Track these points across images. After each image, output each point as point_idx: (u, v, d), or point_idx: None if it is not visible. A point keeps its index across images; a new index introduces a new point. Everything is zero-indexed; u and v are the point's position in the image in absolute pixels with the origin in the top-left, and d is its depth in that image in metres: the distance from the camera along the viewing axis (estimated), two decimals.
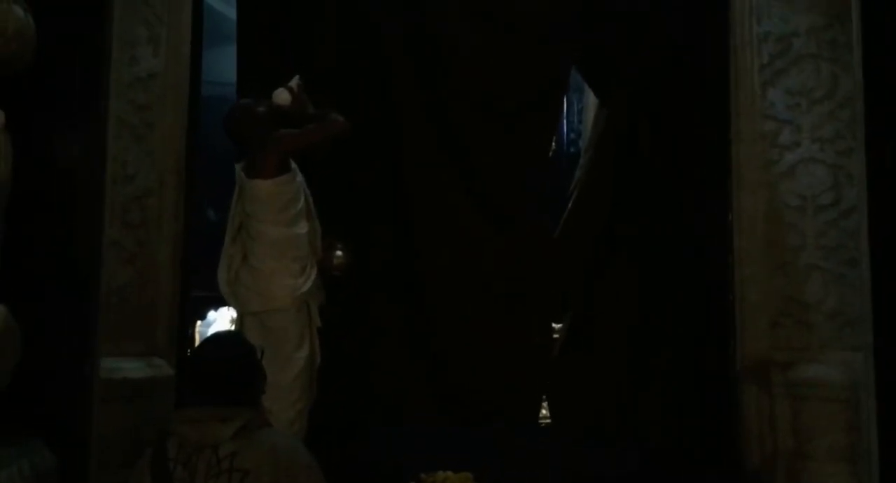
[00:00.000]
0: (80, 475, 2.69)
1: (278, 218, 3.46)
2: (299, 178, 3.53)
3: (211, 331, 7.01)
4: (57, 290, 2.89)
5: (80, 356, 2.74)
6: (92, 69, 2.93)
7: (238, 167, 3.54)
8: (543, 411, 4.54)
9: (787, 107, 3.80)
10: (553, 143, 5.31)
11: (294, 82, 3.56)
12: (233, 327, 6.48)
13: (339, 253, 3.79)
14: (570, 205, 4.56)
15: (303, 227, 3.53)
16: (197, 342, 4.95)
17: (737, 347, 3.74)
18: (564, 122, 6.64)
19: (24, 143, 2.43)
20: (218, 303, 6.12)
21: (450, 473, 3.35)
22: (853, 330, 3.57)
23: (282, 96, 3.55)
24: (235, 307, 3.73)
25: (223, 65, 4.76)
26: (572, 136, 6.85)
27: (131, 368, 3.31)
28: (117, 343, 3.27)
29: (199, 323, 6.41)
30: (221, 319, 7.23)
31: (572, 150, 6.75)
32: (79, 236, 3.03)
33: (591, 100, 5.41)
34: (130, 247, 3.44)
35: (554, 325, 4.58)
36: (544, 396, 4.49)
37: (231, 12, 4.82)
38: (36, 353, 2.50)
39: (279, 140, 3.46)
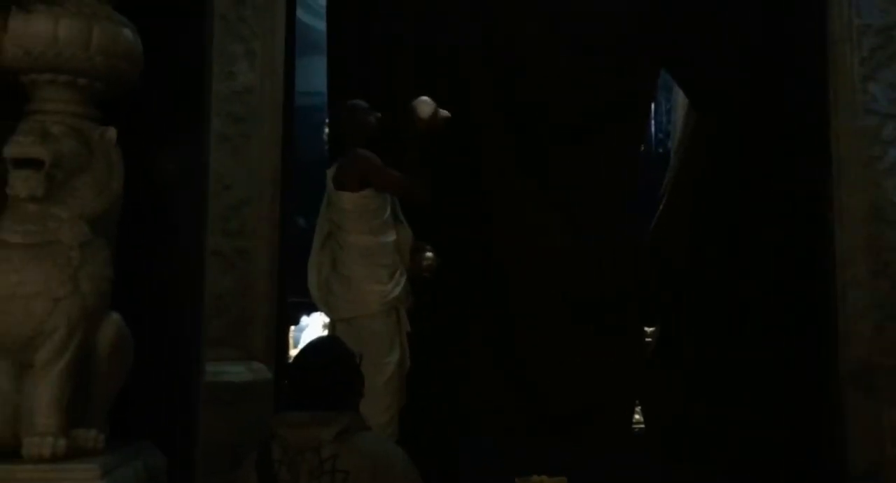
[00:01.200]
0: (188, 475, 2.80)
1: (365, 227, 3.52)
2: None
3: (304, 335, 7.19)
4: (163, 298, 3.02)
5: (186, 361, 2.85)
6: (193, 85, 3.05)
7: (328, 174, 3.62)
8: (636, 416, 4.48)
9: (889, 101, 3.67)
10: (642, 146, 5.22)
11: (440, 110, 3.54)
12: (325, 332, 6.64)
13: (428, 254, 3.83)
14: (660, 208, 4.49)
15: (390, 236, 3.58)
16: (291, 347, 5.07)
17: (839, 352, 3.62)
18: (652, 122, 6.55)
19: (130, 158, 2.55)
20: (310, 308, 6.27)
21: (545, 477, 3.34)
22: None
23: (425, 106, 3.55)
24: (327, 313, 3.81)
25: (311, 75, 4.88)
26: (660, 136, 6.75)
27: (233, 373, 3.43)
28: (218, 348, 3.38)
29: (292, 328, 6.57)
30: (314, 324, 7.40)
31: (661, 150, 6.65)
32: (182, 246, 3.16)
33: (679, 99, 5.32)
34: (230, 255, 3.56)
35: (646, 329, 4.51)
36: (637, 402, 4.42)
37: (317, 23, 4.94)
38: (144, 358, 2.62)
39: (369, 168, 3.50)
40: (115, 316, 2.40)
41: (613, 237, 4.34)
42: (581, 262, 4.26)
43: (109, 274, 2.37)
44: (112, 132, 2.38)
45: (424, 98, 3.58)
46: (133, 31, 2.46)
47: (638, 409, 4.45)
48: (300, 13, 5.40)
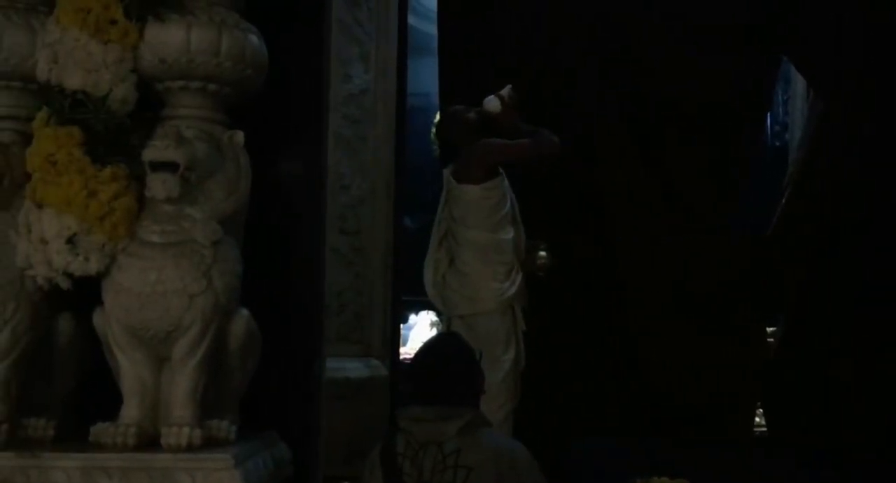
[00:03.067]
0: (311, 466, 2.88)
1: (485, 223, 3.53)
2: (505, 183, 3.59)
3: (412, 334, 7.28)
4: (286, 295, 3.11)
5: (308, 356, 2.93)
6: (312, 89, 3.14)
7: (446, 172, 3.65)
8: (758, 419, 4.33)
9: None
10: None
11: (505, 92, 3.61)
12: (433, 331, 6.70)
13: (542, 253, 3.81)
14: (783, 201, 4.31)
15: (508, 232, 3.58)
16: (402, 345, 5.14)
17: None
18: (769, 114, 6.33)
19: (254, 160, 2.64)
20: (419, 306, 6.34)
21: (666, 479, 3.27)
22: None
23: (492, 104, 3.60)
24: (443, 310, 3.84)
25: (421, 76, 4.94)
26: (777, 128, 6.52)
27: (351, 368, 3.51)
28: (337, 344, 3.47)
29: (401, 326, 6.66)
30: (421, 323, 7.49)
31: (777, 143, 6.42)
32: (303, 244, 3.25)
33: (798, 90, 5.13)
34: (347, 253, 3.65)
35: (768, 328, 4.36)
36: (759, 405, 4.27)
37: (424, 26, 4.99)
38: (270, 353, 2.71)
39: (491, 148, 3.54)
40: (244, 311, 2.50)
41: (731, 233, 4.20)
42: (699, 258, 4.14)
43: (239, 271, 2.47)
44: (240, 135, 2.47)
45: (488, 98, 3.60)
46: (259, 38, 2.55)
47: (760, 411, 4.30)
48: (411, 17, 5.49)
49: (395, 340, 3.96)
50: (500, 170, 3.57)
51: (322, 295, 3.25)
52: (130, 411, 2.32)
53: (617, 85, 4.26)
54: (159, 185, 2.25)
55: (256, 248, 2.83)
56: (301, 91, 3.16)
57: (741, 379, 4.11)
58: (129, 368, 2.33)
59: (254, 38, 2.51)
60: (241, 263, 2.49)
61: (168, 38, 2.38)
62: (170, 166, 2.25)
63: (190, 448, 2.25)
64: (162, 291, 2.27)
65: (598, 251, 4.22)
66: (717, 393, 4.07)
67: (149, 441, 2.31)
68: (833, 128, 4.14)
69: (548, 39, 4.29)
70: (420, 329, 7.42)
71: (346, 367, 3.50)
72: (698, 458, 3.78)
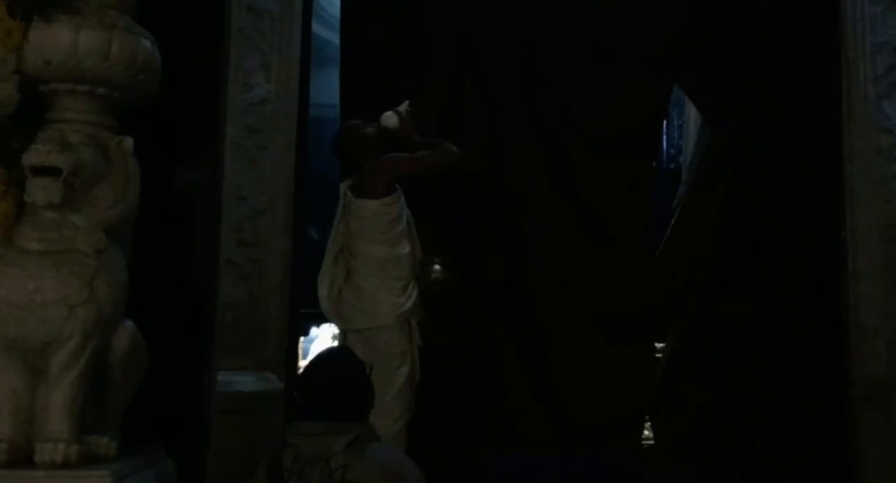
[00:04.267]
0: None
1: (382, 237, 3.53)
2: (402, 198, 3.60)
3: (313, 347, 7.19)
4: (176, 306, 3.04)
5: (198, 370, 2.87)
6: (209, 97, 3.09)
7: (343, 186, 3.64)
8: (647, 432, 4.45)
9: None
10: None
11: (403, 107, 3.64)
12: (335, 343, 6.63)
13: (436, 267, 3.83)
14: (672, 223, 4.47)
15: (405, 247, 3.59)
16: (301, 358, 5.08)
17: (853, 372, 3.60)
18: (664, 137, 6.55)
19: (147, 167, 2.58)
20: (319, 319, 6.27)
21: None
22: None
23: (391, 120, 3.62)
24: (339, 325, 3.81)
25: (324, 87, 4.90)
26: (672, 151, 6.73)
27: (244, 382, 3.43)
28: (231, 358, 3.39)
29: (301, 339, 6.57)
30: (323, 335, 7.40)
31: (672, 165, 6.62)
32: (197, 255, 3.19)
33: (691, 114, 5.32)
34: (244, 265, 3.57)
35: (657, 344, 4.50)
36: (647, 418, 4.40)
37: (331, 35, 4.96)
38: (157, 367, 2.63)
39: (391, 163, 3.54)
40: (130, 324, 2.43)
41: (628, 248, 4.33)
42: (602, 272, 4.24)
43: (124, 281, 2.40)
44: (129, 142, 2.41)
45: (386, 113, 3.63)
46: (152, 43, 2.50)
47: (648, 424, 4.42)
48: (316, 27, 5.45)
49: (292, 353, 3.90)
50: (397, 185, 3.58)
51: (214, 307, 3.19)
52: (2, 426, 2.22)
53: (526, 100, 4.33)
54: (40, 191, 2.17)
55: (146, 257, 2.76)
56: (198, 99, 3.11)
57: (631, 393, 4.22)
58: (2, 381, 2.23)
59: (146, 43, 2.45)
60: (127, 273, 2.42)
61: (54, 40, 2.31)
62: (52, 171, 2.18)
63: (66, 465, 2.17)
64: (41, 301, 2.19)
65: (507, 264, 4.28)
66: (610, 405, 4.17)
67: (23, 458, 2.22)
68: (719, 153, 4.33)
69: (456, 52, 4.34)
70: (322, 342, 7.33)
71: (240, 380, 3.42)
72: (600, 469, 3.88)
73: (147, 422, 2.62)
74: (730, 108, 4.27)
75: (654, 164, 4.67)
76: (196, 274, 3.08)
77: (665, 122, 6.05)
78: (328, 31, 5.23)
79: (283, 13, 3.75)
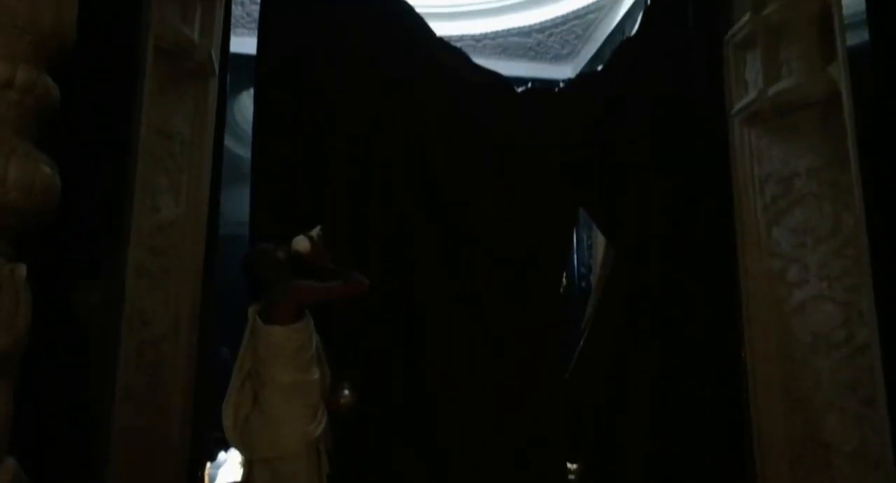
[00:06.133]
0: None
1: (291, 363, 3.46)
2: (311, 324, 3.57)
3: (220, 472, 6.87)
4: (70, 436, 2.88)
5: None
6: (113, 220, 3.04)
7: (251, 311, 3.58)
8: None
9: (792, 245, 3.85)
10: (564, 280, 5.31)
11: (315, 232, 3.64)
12: (242, 470, 6.36)
13: (346, 392, 3.77)
14: (581, 344, 4.52)
15: (314, 373, 3.53)
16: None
17: None
18: (575, 257, 6.73)
19: (42, 291, 2.49)
20: (228, 444, 6.02)
21: None
22: (879, 472, 3.43)
23: (301, 244, 3.62)
24: (243, 453, 3.67)
25: (239, 204, 4.88)
26: (583, 270, 6.91)
27: None
28: None
29: (209, 465, 6.28)
30: (232, 461, 7.09)
31: (584, 284, 6.79)
32: (92, 381, 3.05)
33: (600, 235, 5.48)
34: (142, 390, 3.44)
35: (569, 465, 4.46)
36: None
37: (246, 153, 4.98)
38: None
39: (299, 291, 3.51)
40: (12, 462, 2.28)
41: (537, 369, 4.32)
42: (511, 394, 4.22)
43: (8, 412, 2.27)
44: (21, 269, 2.33)
45: (297, 237, 3.65)
46: (52, 167, 2.46)
47: None
48: (231, 143, 5.48)
49: (193, 479, 3.73)
50: (307, 311, 3.55)
51: (108, 436, 3.03)
52: None
53: (432, 220, 4.38)
54: None
55: (37, 385, 2.63)
56: (100, 221, 3.06)
57: None
58: None
59: (46, 169, 2.41)
60: (12, 404, 2.30)
61: None
62: None
63: None
64: None
65: (413, 386, 4.22)
66: None
67: None
68: (621, 273, 4.44)
69: (362, 171, 4.36)
70: (230, 467, 7.02)
71: None
72: None
73: None
74: (629, 229, 4.41)
75: (560, 285, 4.74)
76: (90, 399, 2.93)
77: (576, 242, 6.25)
78: (243, 148, 5.25)
79: (193, 135, 3.78)
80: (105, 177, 2.97)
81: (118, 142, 3.01)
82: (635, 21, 5.05)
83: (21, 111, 2.38)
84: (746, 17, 4.05)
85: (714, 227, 4.16)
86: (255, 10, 4.90)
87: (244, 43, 4.89)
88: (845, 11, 3.74)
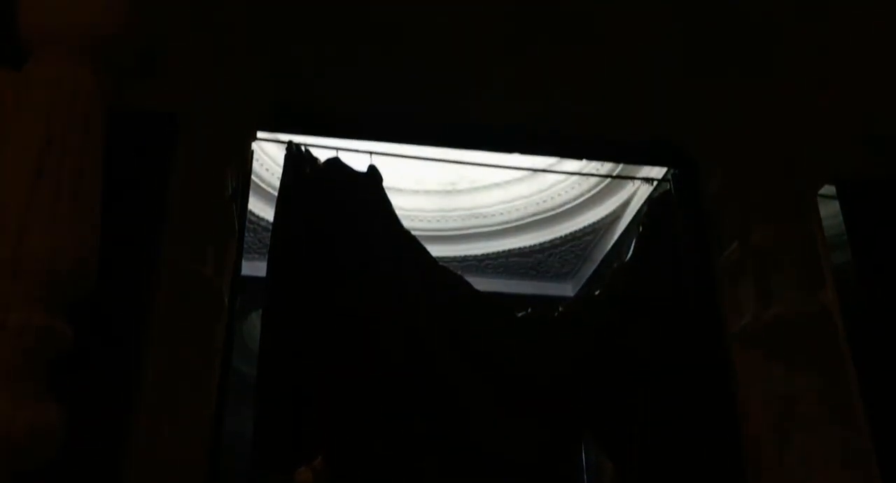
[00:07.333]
0: None
1: None
2: None
3: None
4: None
5: None
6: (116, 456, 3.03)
7: None
8: None
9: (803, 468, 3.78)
10: None
11: (317, 463, 3.60)
12: None
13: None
14: None
15: None
16: None
17: None
18: (584, 464, 6.56)
19: None
20: None
21: None
22: None
23: (303, 476, 3.57)
24: None
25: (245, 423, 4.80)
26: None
27: None
28: None
29: None
30: None
31: None
32: None
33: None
34: None
35: None
36: None
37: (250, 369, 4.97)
38: None
39: None
40: None
41: None
42: None
43: None
44: None
45: (299, 469, 3.62)
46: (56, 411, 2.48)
47: None
48: (239, 363, 5.47)
49: None
50: None
51: None
52: None
53: (437, 433, 4.31)
54: None
55: None
56: (104, 460, 3.05)
57: None
58: None
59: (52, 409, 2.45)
60: None
61: None
62: None
63: None
64: None
65: None
66: None
67: None
68: None
69: (371, 394, 4.34)
70: None
71: None
72: None
73: None
74: (632, 452, 4.34)
75: None
76: None
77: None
78: (247, 365, 5.25)
79: (200, 353, 3.80)
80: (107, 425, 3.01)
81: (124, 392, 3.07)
82: (631, 241, 5.26)
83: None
84: (734, 245, 4.22)
85: (720, 448, 4.09)
86: (267, 236, 5.10)
87: (256, 267, 5.05)
88: (827, 232, 3.97)
